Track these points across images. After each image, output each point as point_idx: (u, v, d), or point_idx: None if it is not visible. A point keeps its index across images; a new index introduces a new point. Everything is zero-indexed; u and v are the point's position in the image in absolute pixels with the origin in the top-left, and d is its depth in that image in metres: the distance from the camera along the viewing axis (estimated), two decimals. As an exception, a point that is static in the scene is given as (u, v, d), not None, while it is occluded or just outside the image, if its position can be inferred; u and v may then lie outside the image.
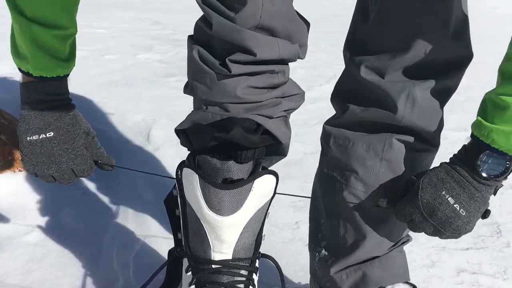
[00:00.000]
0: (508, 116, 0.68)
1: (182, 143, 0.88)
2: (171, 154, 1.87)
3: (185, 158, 0.91)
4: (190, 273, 0.85)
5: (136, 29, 4.43)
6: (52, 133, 0.81)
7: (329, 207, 0.91)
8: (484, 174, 0.72)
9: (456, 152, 0.78)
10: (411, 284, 0.87)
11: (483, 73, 3.20)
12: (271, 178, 0.82)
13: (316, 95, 2.79)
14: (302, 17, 0.86)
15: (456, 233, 0.75)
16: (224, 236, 0.82)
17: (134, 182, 1.69)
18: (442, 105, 0.86)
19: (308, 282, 1.08)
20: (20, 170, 1.61)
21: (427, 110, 0.84)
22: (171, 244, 1.05)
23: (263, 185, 0.81)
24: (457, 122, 2.43)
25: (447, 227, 0.75)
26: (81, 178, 1.79)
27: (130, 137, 2.03)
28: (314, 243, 0.95)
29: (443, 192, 0.75)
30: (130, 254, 1.29)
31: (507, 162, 0.71)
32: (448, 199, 0.74)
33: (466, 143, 0.77)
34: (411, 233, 0.96)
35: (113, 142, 1.98)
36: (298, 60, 0.89)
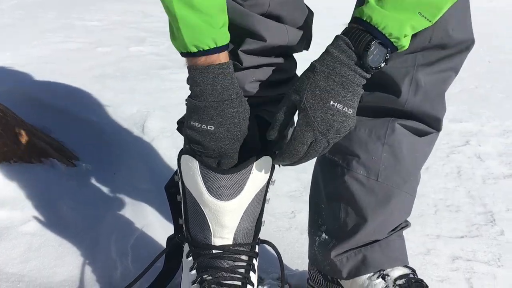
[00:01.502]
0: (404, 3, 0.67)
1: (181, 133, 0.88)
2: (166, 145, 1.87)
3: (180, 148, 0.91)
4: (191, 258, 0.86)
5: (129, 21, 4.40)
6: (212, 127, 0.76)
7: (330, 191, 0.92)
8: (372, 65, 0.70)
9: (333, 45, 0.72)
10: (410, 268, 0.88)
11: (477, 64, 3.23)
12: (268, 159, 0.83)
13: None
14: (307, 6, 0.87)
15: (346, 133, 0.75)
16: (225, 221, 0.82)
17: (130, 173, 1.69)
18: (444, 89, 0.87)
19: (306, 269, 1.09)
20: (15, 161, 1.60)
21: (430, 95, 0.85)
22: (169, 232, 1.06)
23: (261, 168, 0.82)
24: (452, 113, 2.45)
25: (342, 131, 0.73)
26: (77, 168, 1.79)
27: (125, 128, 2.03)
28: (314, 228, 0.96)
29: (331, 102, 0.71)
30: (128, 242, 1.29)
31: (387, 54, 0.70)
32: (337, 106, 0.72)
33: (347, 30, 0.72)
34: (409, 218, 0.98)
35: (108, 133, 1.98)
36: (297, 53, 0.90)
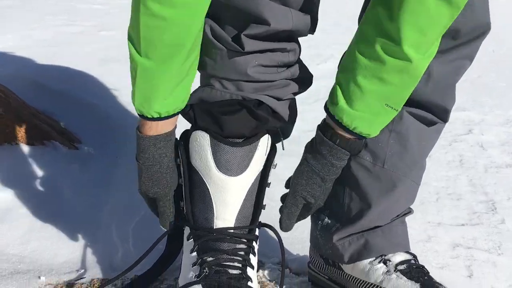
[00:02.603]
0: (372, 103, 0.74)
1: (186, 118, 0.88)
2: (169, 129, 1.86)
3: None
4: (191, 240, 0.86)
5: (132, 6, 4.37)
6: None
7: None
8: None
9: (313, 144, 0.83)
10: (411, 254, 0.88)
11: (481, 54, 3.21)
12: (268, 137, 0.86)
13: (314, 74, 2.79)
14: None
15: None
16: (230, 198, 0.83)
17: (132, 157, 1.69)
18: (456, 80, 0.86)
19: (306, 254, 1.09)
20: (17, 143, 1.60)
21: (441, 85, 0.84)
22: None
23: (265, 146, 0.84)
24: (456, 102, 2.44)
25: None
26: (79, 151, 1.79)
27: (127, 112, 2.02)
28: (317, 212, 0.96)
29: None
30: (129, 225, 1.30)
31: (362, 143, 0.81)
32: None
33: (326, 129, 0.81)
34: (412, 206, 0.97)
35: (110, 117, 1.97)
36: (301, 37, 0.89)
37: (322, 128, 0.80)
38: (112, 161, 1.67)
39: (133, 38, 0.71)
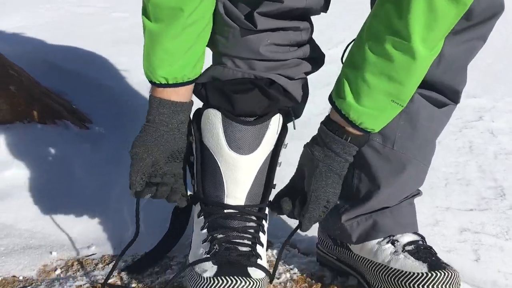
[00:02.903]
0: (378, 98, 0.75)
1: (198, 96, 0.88)
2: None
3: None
4: (202, 217, 0.87)
5: (142, -13, 4.34)
6: None
7: None
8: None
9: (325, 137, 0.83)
10: (419, 235, 0.89)
11: (493, 39, 3.16)
12: (279, 116, 0.86)
13: (325, 59, 2.78)
14: None
15: None
16: (240, 177, 0.83)
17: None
18: (468, 61, 0.85)
19: (315, 234, 1.10)
20: (29, 122, 1.61)
21: (453, 66, 0.84)
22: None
23: (276, 125, 0.84)
24: (466, 88, 2.40)
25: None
26: (90, 131, 1.80)
27: (137, 92, 2.03)
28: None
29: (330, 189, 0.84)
30: (139, 204, 1.31)
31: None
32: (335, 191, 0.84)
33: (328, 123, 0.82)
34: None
35: (121, 97, 1.98)
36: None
37: (329, 125, 0.81)
38: (123, 142, 1.68)
39: (145, 7, 0.79)
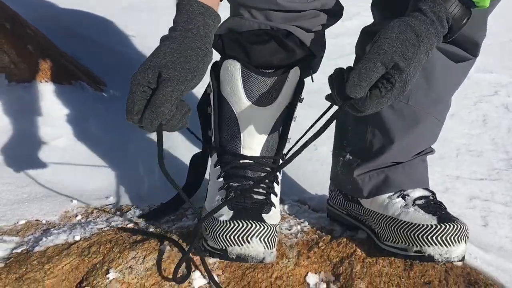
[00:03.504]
0: None
1: (215, 48, 0.89)
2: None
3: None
4: (218, 167, 0.89)
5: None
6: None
7: None
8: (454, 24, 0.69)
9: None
10: (430, 191, 0.90)
11: (509, 19, 3.10)
12: (297, 69, 0.86)
13: (339, 31, 2.74)
14: None
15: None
16: (257, 128, 0.85)
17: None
18: (489, 12, 0.84)
19: (325, 194, 1.12)
20: (46, 81, 1.64)
21: (473, 17, 0.83)
22: (193, 152, 1.09)
23: (294, 78, 0.85)
24: (482, 63, 2.39)
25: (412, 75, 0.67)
26: (105, 93, 1.82)
27: (152, 58, 2.04)
28: (339, 149, 0.98)
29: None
30: (155, 161, 1.33)
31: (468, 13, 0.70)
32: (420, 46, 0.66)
33: None
34: (429, 160, 0.98)
35: (135, 62, 1.99)
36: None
37: None
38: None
39: None
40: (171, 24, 0.74)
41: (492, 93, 2.12)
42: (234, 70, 0.84)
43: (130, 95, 0.68)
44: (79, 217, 1.03)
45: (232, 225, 0.77)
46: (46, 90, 1.60)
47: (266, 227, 0.78)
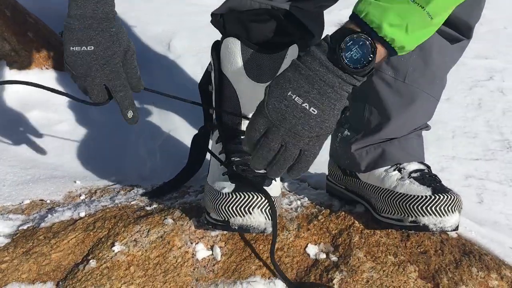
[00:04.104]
0: None
1: (215, 25, 0.91)
2: (192, 62, 1.90)
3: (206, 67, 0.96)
4: (220, 143, 0.91)
5: None
6: (92, 47, 0.81)
7: (357, 91, 0.93)
8: (348, 62, 0.64)
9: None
10: (425, 164, 0.93)
11: (505, 6, 3.13)
12: (295, 47, 0.88)
13: (335, 18, 2.77)
14: None
15: (313, 136, 0.67)
16: (257, 105, 0.87)
17: (157, 87, 1.74)
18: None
19: (324, 172, 1.15)
20: (47, 68, 1.66)
21: (467, 3, 0.85)
22: (194, 133, 1.11)
23: (292, 54, 0.87)
24: (477, 50, 2.42)
25: (300, 130, 0.66)
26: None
27: (151, 46, 2.05)
28: (337, 125, 1.00)
29: (289, 93, 0.66)
30: (156, 143, 1.37)
31: (370, 55, 0.64)
32: (295, 99, 0.66)
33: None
34: (425, 142, 1.00)
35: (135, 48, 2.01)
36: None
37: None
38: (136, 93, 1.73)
39: None
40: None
41: (487, 78, 2.15)
42: (234, 47, 0.86)
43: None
44: (82, 197, 1.05)
45: (234, 196, 0.79)
46: (47, 77, 1.62)
47: (267, 199, 0.80)
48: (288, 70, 0.68)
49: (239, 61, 0.86)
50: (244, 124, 0.89)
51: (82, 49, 0.81)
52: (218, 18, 0.88)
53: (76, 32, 0.81)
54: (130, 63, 0.88)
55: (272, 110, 0.67)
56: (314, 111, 0.66)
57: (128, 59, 0.87)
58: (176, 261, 0.83)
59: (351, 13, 0.66)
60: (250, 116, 0.89)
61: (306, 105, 0.66)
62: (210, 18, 0.91)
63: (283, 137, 0.67)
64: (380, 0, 0.63)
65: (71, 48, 0.81)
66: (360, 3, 0.65)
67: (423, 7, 0.63)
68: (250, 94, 0.87)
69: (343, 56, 0.64)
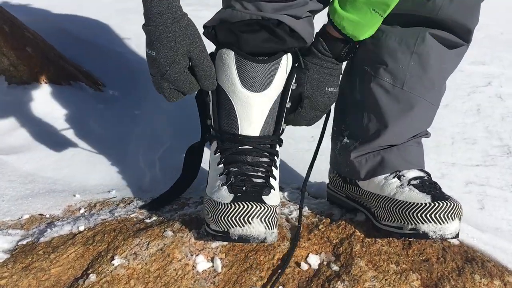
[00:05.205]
0: (358, 3, 0.81)
1: (208, 37, 0.91)
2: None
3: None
4: (218, 154, 0.91)
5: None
6: (154, 53, 0.82)
7: (356, 98, 0.95)
8: (345, 59, 0.91)
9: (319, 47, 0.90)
10: (425, 172, 0.92)
11: (501, 12, 3.15)
12: (289, 56, 0.89)
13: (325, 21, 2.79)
14: None
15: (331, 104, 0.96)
16: (254, 114, 0.87)
17: (156, 98, 1.74)
18: (480, 0, 0.87)
19: (324, 181, 1.14)
20: (45, 82, 1.66)
21: (466, 4, 0.85)
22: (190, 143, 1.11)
23: (285, 63, 0.87)
24: (474, 56, 2.43)
25: (329, 106, 0.96)
26: (104, 93, 1.84)
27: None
28: (337, 133, 1.00)
29: (326, 88, 0.93)
30: (155, 154, 1.36)
31: (355, 47, 0.90)
32: (330, 90, 0.93)
33: (323, 32, 0.90)
34: (424, 148, 1.00)
35: (131, 62, 2.02)
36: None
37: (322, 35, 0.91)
38: (136, 103, 1.73)
39: None
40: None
41: (485, 84, 2.15)
42: (228, 58, 0.86)
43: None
44: (82, 211, 1.05)
45: (233, 207, 0.79)
46: (46, 91, 1.63)
47: (266, 208, 0.80)
48: (313, 73, 0.92)
49: (233, 71, 0.86)
50: (242, 134, 0.89)
51: (150, 52, 0.83)
52: (210, 30, 0.89)
53: (146, 35, 0.82)
54: (198, 65, 0.85)
55: (322, 104, 0.94)
56: (336, 89, 0.95)
57: (195, 61, 0.85)
58: (177, 274, 0.82)
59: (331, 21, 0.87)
60: (246, 126, 0.89)
61: (335, 90, 0.95)
62: (202, 30, 0.92)
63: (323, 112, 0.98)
64: (350, 11, 0.82)
65: (146, 49, 0.84)
66: (334, 15, 0.85)
67: (382, 16, 0.82)
68: (245, 104, 0.87)
69: (343, 58, 0.93)
